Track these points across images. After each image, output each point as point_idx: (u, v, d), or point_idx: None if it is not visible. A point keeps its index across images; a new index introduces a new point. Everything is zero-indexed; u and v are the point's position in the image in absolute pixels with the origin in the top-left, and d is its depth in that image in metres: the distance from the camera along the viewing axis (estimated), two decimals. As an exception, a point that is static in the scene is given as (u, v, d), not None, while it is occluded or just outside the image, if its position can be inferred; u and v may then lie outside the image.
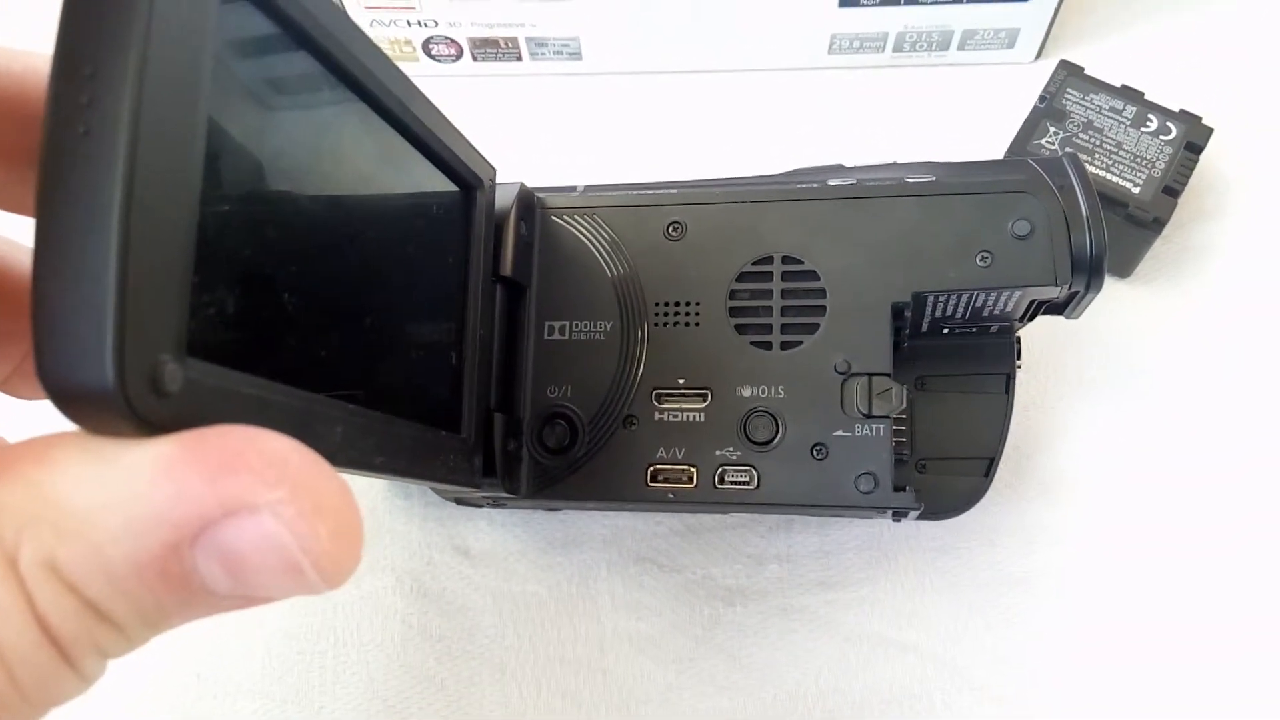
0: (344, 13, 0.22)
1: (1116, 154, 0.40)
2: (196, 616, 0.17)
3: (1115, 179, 0.40)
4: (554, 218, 0.34)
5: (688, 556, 0.39)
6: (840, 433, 0.31)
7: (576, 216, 0.34)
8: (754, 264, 0.32)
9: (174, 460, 0.15)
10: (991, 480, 0.35)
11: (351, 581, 0.39)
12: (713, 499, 0.31)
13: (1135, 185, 0.40)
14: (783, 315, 0.32)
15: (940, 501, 0.36)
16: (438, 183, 0.29)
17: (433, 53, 0.48)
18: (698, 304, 0.32)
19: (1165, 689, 0.36)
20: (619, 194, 0.34)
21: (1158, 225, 0.39)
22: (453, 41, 0.47)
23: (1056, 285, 0.31)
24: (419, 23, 0.46)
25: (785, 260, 0.32)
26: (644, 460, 0.32)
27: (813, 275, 0.32)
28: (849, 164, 0.35)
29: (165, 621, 0.17)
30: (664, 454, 0.32)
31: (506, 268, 0.32)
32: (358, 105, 0.24)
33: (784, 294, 0.32)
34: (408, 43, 0.47)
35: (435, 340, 0.29)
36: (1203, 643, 0.36)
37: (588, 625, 0.38)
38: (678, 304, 0.33)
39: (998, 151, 0.42)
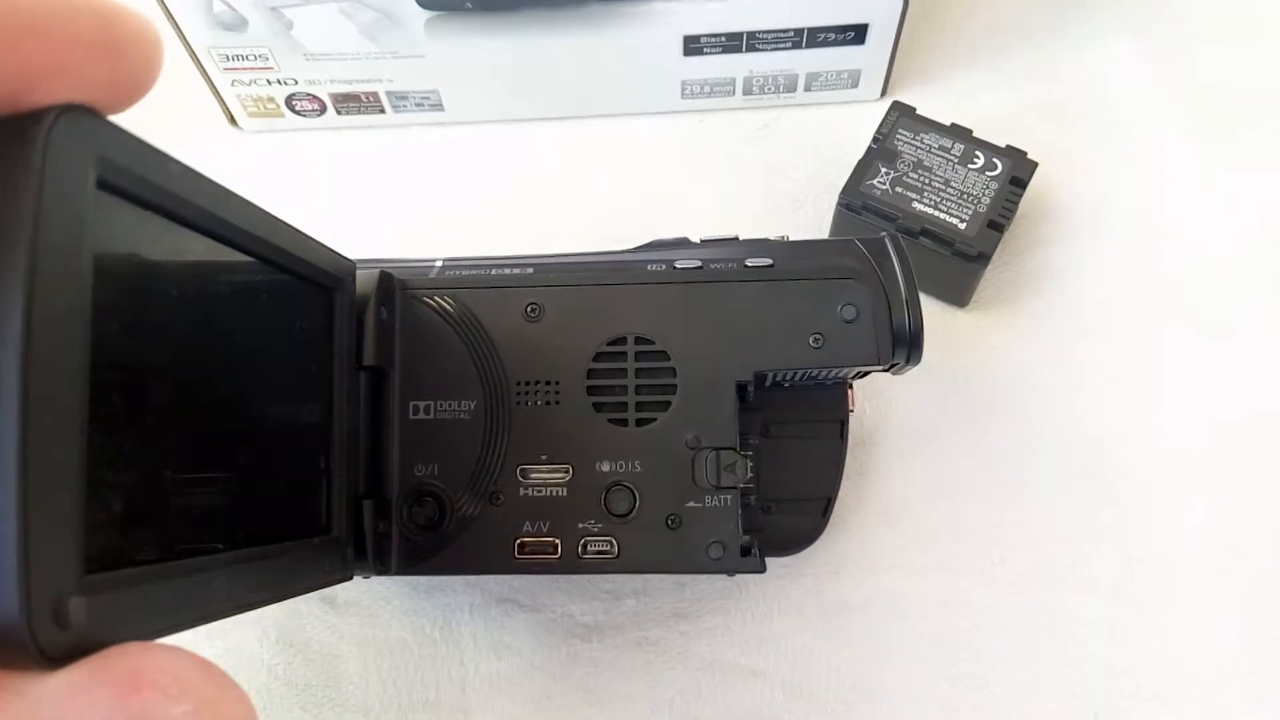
0: (196, 172, 0.22)
1: (944, 191, 0.42)
2: None
3: (943, 216, 0.42)
4: (415, 299, 0.34)
5: (549, 595, 0.40)
6: (692, 504, 0.33)
7: (437, 298, 0.34)
8: (609, 344, 0.34)
9: (82, 685, 0.16)
10: (829, 519, 0.37)
11: (218, 634, 0.40)
12: (576, 568, 0.33)
13: (961, 221, 0.42)
14: (637, 394, 0.33)
15: (783, 539, 0.38)
16: (299, 295, 0.29)
17: (296, 108, 0.49)
18: (558, 383, 0.34)
19: (1004, 704, 0.38)
20: (478, 273, 0.35)
21: (983, 259, 0.41)
22: (315, 98, 0.48)
23: (879, 364, 0.33)
24: (279, 81, 0.47)
25: (638, 341, 0.34)
26: (511, 534, 0.33)
27: (663, 355, 0.34)
28: (695, 238, 0.36)
29: None
30: (530, 528, 0.33)
31: (369, 357, 0.32)
32: (222, 251, 0.24)
33: (638, 373, 0.34)
34: (271, 100, 0.48)
35: (304, 451, 0.29)
36: (1038, 659, 0.38)
37: (450, 667, 0.39)
38: (538, 383, 0.34)
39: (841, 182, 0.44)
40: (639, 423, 0.33)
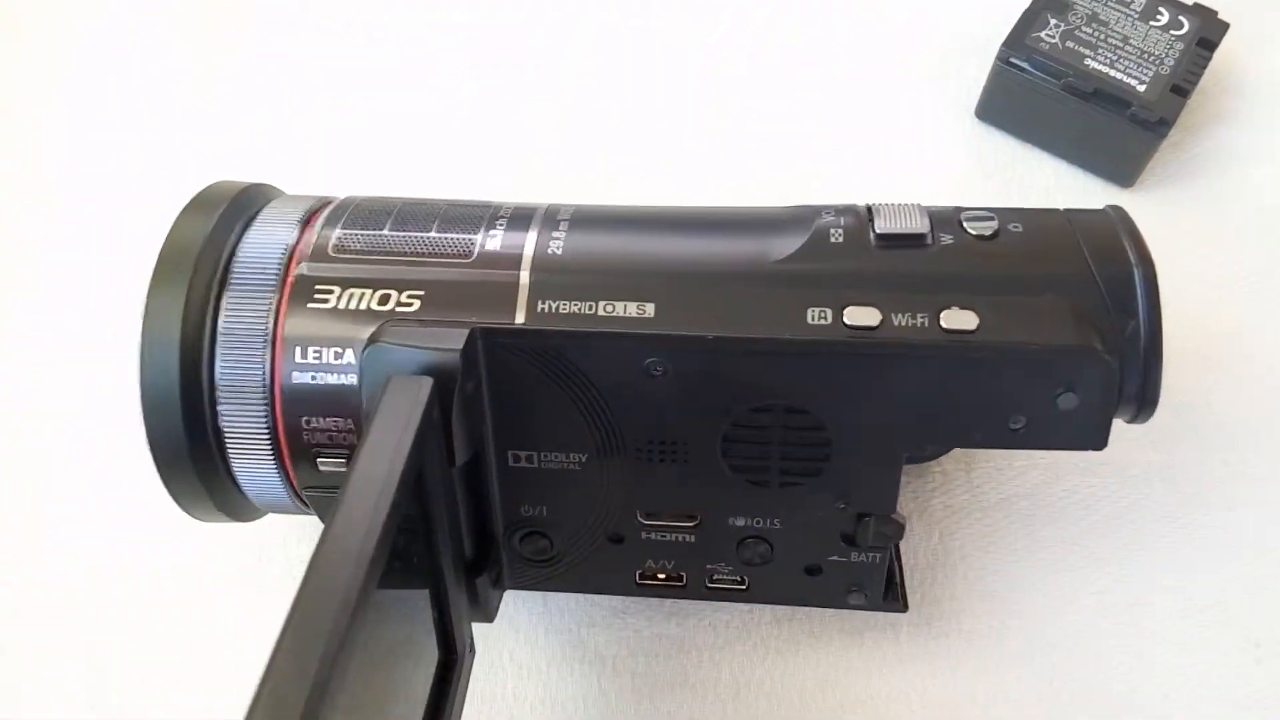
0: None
1: (1122, 49, 0.37)
2: None
3: (1119, 76, 0.37)
4: (503, 350, 0.27)
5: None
6: (835, 558, 0.29)
7: (530, 352, 0.27)
8: (751, 411, 0.27)
9: None
10: None
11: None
12: (703, 596, 0.31)
13: (1141, 83, 0.36)
14: (782, 459, 0.28)
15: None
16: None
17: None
18: (686, 443, 0.28)
19: (1153, 624, 0.33)
20: (580, 307, 0.27)
21: (1163, 127, 0.36)
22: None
23: (1093, 450, 0.27)
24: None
25: (788, 411, 0.27)
26: (633, 568, 0.31)
27: (819, 426, 0.27)
28: (862, 202, 0.29)
29: None
30: (653, 565, 0.30)
31: (462, 455, 0.26)
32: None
33: (785, 441, 0.28)
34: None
35: (421, 609, 0.27)
36: (1194, 580, 0.34)
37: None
38: (663, 443, 0.28)
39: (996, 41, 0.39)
40: (782, 485, 0.28)
